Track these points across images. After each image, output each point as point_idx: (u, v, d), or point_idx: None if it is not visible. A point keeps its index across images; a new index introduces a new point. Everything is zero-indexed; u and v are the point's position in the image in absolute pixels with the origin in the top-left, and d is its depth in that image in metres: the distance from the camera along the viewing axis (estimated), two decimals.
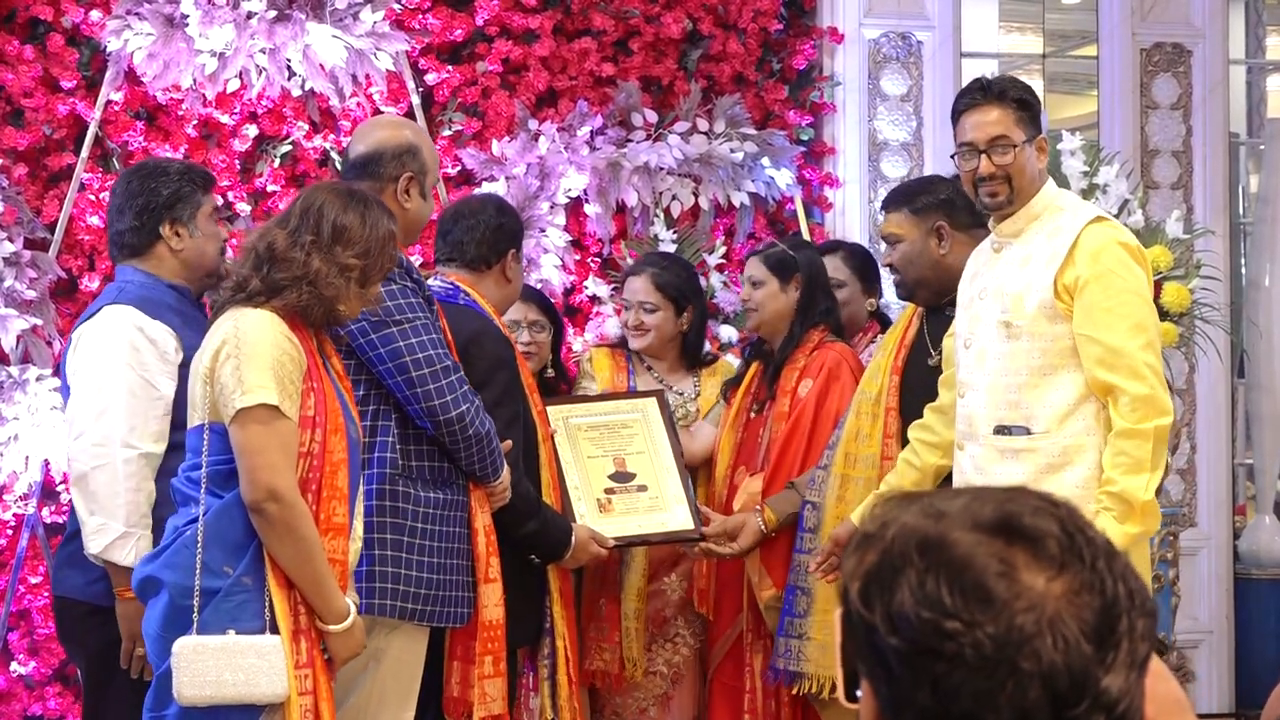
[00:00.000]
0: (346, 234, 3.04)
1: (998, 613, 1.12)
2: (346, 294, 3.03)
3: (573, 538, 3.74)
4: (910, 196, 3.95)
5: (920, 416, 3.81)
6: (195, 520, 2.92)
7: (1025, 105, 3.45)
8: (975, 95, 3.47)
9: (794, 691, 3.94)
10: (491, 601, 3.42)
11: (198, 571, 2.88)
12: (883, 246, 4.05)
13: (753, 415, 4.24)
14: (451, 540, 3.40)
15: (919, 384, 3.87)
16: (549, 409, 4.02)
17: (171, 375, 3.47)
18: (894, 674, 1.15)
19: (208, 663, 2.82)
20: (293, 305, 2.99)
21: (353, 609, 3.01)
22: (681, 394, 4.39)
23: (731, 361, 4.56)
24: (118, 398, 3.43)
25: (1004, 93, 3.44)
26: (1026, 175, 3.42)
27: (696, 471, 4.31)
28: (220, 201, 5.06)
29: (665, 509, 4.02)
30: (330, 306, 3.02)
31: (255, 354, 2.91)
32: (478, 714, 3.38)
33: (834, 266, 4.43)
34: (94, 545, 3.38)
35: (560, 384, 4.55)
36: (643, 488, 4.03)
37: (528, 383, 3.79)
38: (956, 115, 3.51)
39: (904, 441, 3.84)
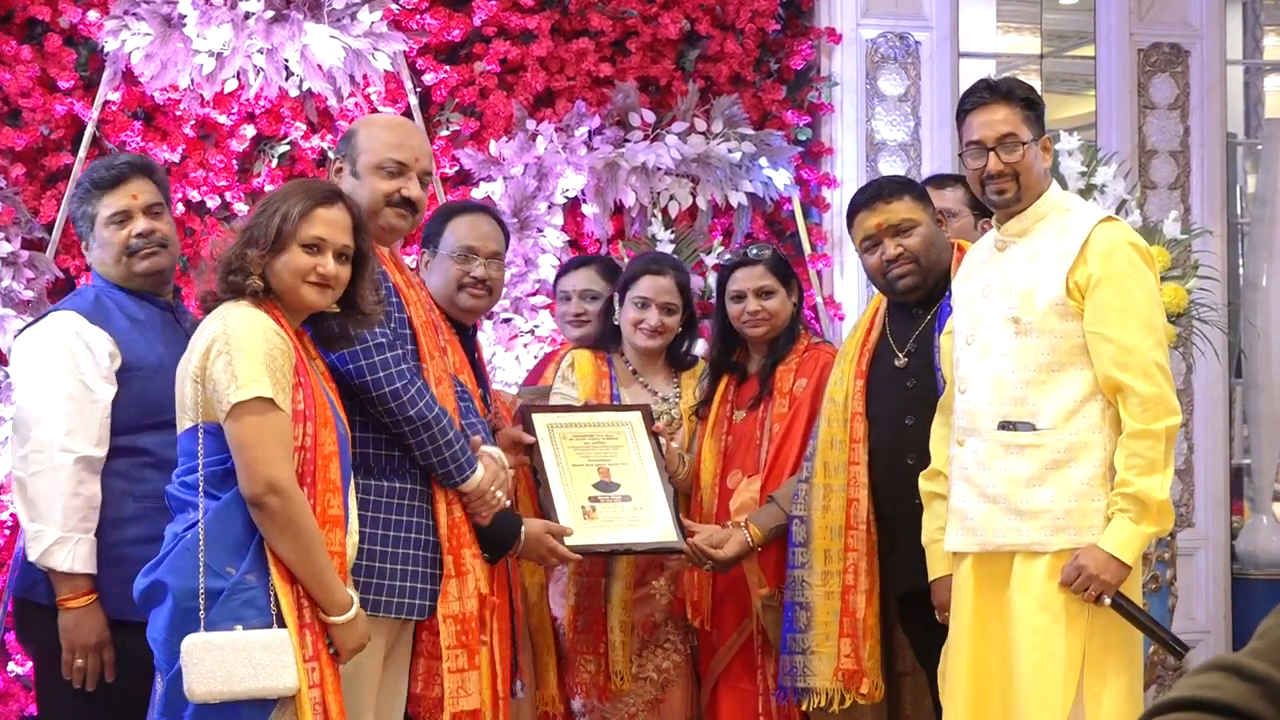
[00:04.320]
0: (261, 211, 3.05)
1: None
2: (258, 263, 2.99)
3: (522, 530, 3.62)
4: (911, 184, 3.99)
5: (888, 419, 3.80)
6: (194, 525, 2.91)
7: (1031, 105, 3.50)
8: (983, 94, 3.49)
9: (803, 707, 3.92)
10: (463, 594, 3.34)
11: (200, 573, 2.86)
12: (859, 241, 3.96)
13: (736, 419, 4.21)
14: (405, 530, 3.32)
15: (885, 386, 3.85)
16: (534, 417, 4.00)
17: (110, 380, 3.48)
18: None
19: (216, 658, 2.80)
20: (261, 297, 2.99)
21: (355, 600, 2.99)
22: (666, 399, 4.36)
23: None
24: (55, 403, 3.45)
25: (1011, 92, 3.48)
26: (1033, 174, 3.47)
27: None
28: (199, 199, 5.08)
29: (649, 521, 3.97)
30: (288, 293, 3.02)
31: (246, 348, 2.90)
32: (448, 709, 3.29)
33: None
34: (32, 551, 3.40)
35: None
36: (626, 498, 3.98)
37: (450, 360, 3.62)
38: (963, 115, 3.54)
39: (871, 447, 3.82)
